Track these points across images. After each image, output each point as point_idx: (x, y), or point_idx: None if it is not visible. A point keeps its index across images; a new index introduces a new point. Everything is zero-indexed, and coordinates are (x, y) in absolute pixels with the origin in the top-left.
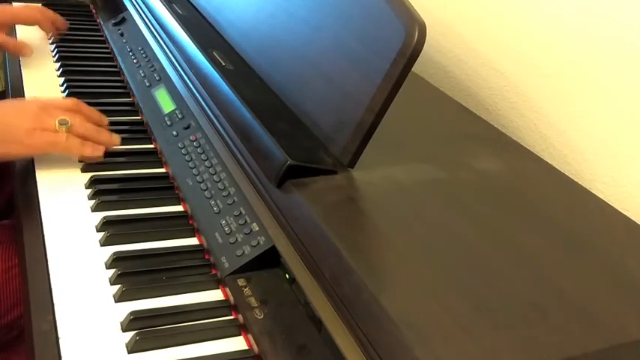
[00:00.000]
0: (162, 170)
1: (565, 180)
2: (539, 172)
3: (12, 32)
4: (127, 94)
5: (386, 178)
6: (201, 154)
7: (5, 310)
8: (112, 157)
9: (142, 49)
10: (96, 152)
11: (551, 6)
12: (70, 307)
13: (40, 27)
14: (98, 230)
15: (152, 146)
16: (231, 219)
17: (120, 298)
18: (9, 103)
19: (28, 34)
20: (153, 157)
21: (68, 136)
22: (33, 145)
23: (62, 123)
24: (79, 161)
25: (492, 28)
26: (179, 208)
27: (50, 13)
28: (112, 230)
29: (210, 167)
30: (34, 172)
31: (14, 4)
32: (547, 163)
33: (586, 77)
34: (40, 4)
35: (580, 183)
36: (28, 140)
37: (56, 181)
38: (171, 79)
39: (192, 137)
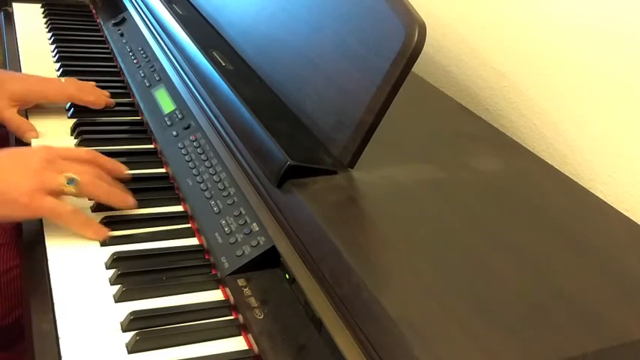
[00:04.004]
0: (162, 170)
1: (565, 180)
2: (539, 172)
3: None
4: (127, 94)
5: (386, 178)
6: (201, 154)
7: (7, 312)
8: (112, 158)
9: (141, 49)
10: (98, 236)
11: (551, 6)
12: (70, 307)
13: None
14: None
15: (152, 146)
16: (231, 219)
17: (120, 298)
18: (10, 156)
19: (26, 30)
20: (153, 157)
21: (74, 210)
22: (34, 209)
23: (70, 182)
24: None
25: (492, 28)
26: (179, 208)
27: (87, 87)
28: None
29: (210, 167)
30: None
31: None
32: (547, 163)
33: (586, 77)
34: (71, 78)
35: (580, 183)
36: (28, 202)
37: None
38: (171, 79)
39: (192, 137)
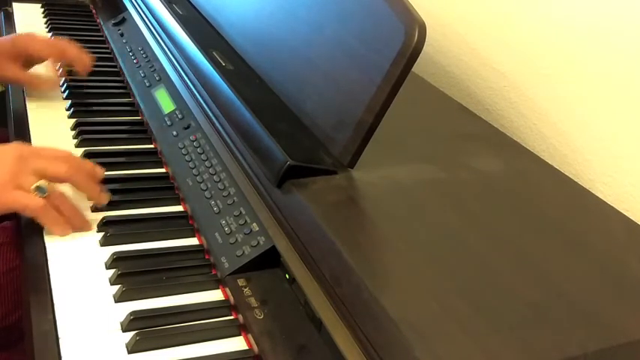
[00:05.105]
0: (162, 170)
1: (565, 180)
2: (539, 172)
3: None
4: (127, 94)
5: (386, 178)
6: (201, 154)
7: (7, 312)
8: (112, 157)
9: (141, 49)
10: (64, 232)
11: (551, 6)
12: (70, 307)
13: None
14: (98, 231)
15: (152, 146)
16: (231, 219)
17: (120, 298)
18: None
19: (26, 30)
20: (153, 157)
21: (45, 205)
22: (4, 202)
23: (39, 190)
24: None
25: (492, 28)
26: (179, 208)
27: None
28: (112, 230)
29: (210, 167)
30: None
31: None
32: (547, 163)
33: (586, 77)
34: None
35: (580, 183)
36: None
37: None
38: (171, 79)
39: (192, 137)
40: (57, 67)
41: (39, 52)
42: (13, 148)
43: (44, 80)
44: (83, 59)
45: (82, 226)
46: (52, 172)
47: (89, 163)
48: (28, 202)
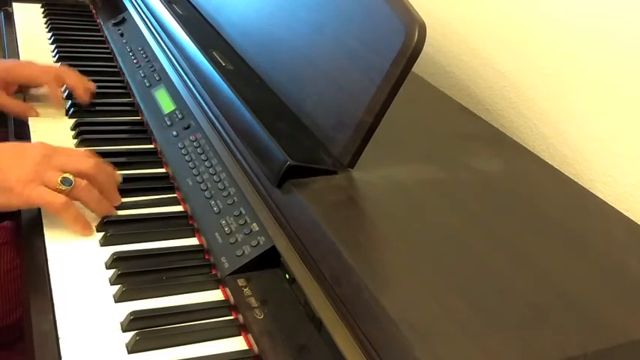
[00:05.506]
0: (163, 170)
1: (565, 180)
2: (539, 172)
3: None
4: (127, 94)
5: (386, 178)
6: (201, 154)
7: (8, 311)
8: (112, 157)
9: (141, 49)
10: (85, 231)
11: (551, 6)
12: (70, 307)
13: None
14: (98, 230)
15: (152, 146)
16: (231, 219)
17: (120, 298)
18: (10, 146)
19: (26, 30)
20: (153, 157)
21: (67, 202)
22: (27, 197)
23: (65, 182)
24: None
25: (492, 28)
26: (179, 208)
27: (73, 72)
28: (112, 230)
29: (210, 167)
30: None
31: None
32: (547, 163)
33: (586, 77)
34: (60, 64)
35: (580, 183)
36: (22, 190)
37: None
38: (171, 79)
39: (192, 137)
40: (60, 92)
41: (36, 78)
42: (39, 145)
43: (26, 109)
44: (84, 85)
45: (105, 212)
46: (78, 166)
47: (110, 166)
48: (51, 198)
